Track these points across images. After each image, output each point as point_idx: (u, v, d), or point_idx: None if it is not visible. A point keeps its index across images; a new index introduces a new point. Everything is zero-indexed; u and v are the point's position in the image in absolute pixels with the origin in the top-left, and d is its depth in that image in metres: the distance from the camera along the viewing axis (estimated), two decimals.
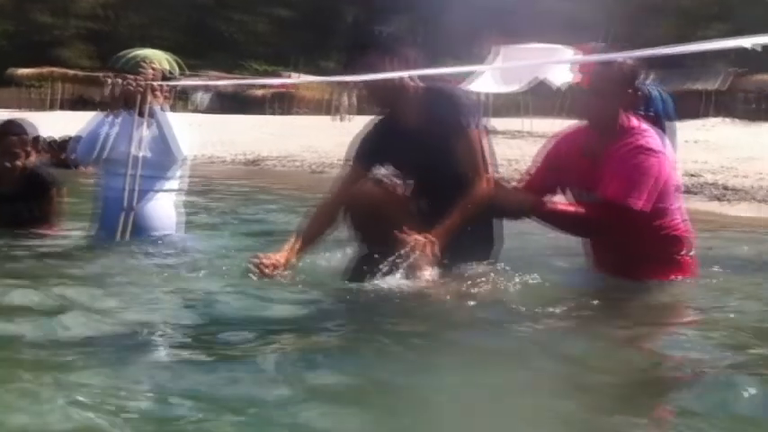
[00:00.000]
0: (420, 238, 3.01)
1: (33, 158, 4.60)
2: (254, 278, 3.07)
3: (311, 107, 36.47)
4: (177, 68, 4.62)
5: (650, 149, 3.23)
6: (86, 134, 4.45)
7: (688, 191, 9.76)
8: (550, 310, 2.97)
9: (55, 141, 11.54)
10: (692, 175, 10.50)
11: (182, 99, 33.84)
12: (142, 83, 4.32)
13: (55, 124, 17.25)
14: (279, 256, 3.16)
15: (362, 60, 3.22)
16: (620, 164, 3.20)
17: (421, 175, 3.25)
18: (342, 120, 22.81)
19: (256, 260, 3.10)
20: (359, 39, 3.45)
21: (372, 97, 3.37)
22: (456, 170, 3.19)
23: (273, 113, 27.23)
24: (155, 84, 4.39)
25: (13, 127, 4.48)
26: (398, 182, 3.27)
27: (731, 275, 3.94)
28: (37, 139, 11.19)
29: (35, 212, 4.52)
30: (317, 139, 17.22)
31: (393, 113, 3.38)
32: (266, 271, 3.08)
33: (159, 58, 4.56)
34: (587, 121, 3.42)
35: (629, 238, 3.28)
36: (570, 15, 39.33)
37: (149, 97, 4.35)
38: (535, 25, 34.14)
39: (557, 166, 3.52)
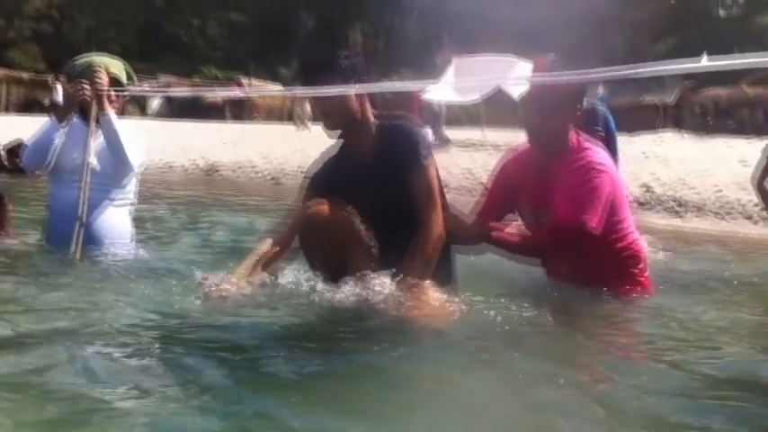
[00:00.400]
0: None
1: None
2: (205, 302, 3.00)
3: (268, 114, 36.24)
4: (126, 77, 4.49)
5: (600, 165, 3.24)
6: (33, 141, 4.32)
7: (642, 204, 9.90)
8: (509, 325, 2.95)
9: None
10: (647, 189, 10.61)
11: (139, 104, 33.36)
12: (98, 90, 4.21)
13: (7, 128, 16.90)
14: (231, 283, 3.07)
15: (320, 80, 3.19)
16: (571, 182, 3.21)
17: (375, 210, 3.21)
18: (306, 129, 22.62)
19: (211, 286, 3.03)
20: (319, 58, 3.39)
21: (328, 120, 3.28)
22: (410, 206, 3.17)
23: (229, 119, 26.93)
24: (110, 91, 4.28)
25: None
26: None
27: (687, 293, 3.98)
28: None
29: None
30: (275, 146, 17.07)
31: (347, 145, 3.35)
32: (218, 295, 3.02)
33: (113, 65, 4.44)
34: (536, 140, 3.40)
35: (586, 258, 3.27)
36: (526, 25, 39.78)
37: (105, 104, 4.23)
38: (493, 35, 34.49)
39: (509, 186, 3.52)
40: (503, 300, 3.20)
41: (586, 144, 3.33)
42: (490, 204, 3.61)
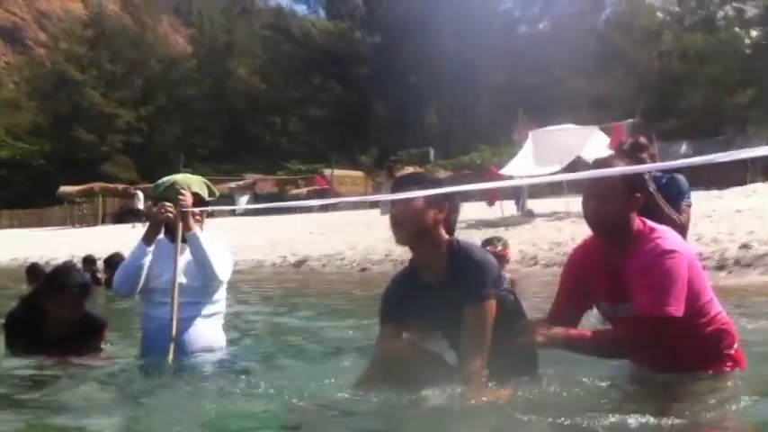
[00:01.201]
0: None
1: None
2: None
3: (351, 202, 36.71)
4: (208, 193, 4.67)
5: (672, 251, 3.12)
6: (122, 268, 4.49)
7: (742, 264, 9.54)
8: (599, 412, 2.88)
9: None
10: (745, 247, 10.24)
11: (227, 203, 34.37)
12: (183, 209, 4.37)
13: (103, 240, 17.58)
14: None
15: (408, 190, 3.25)
16: (646, 274, 3.10)
17: (448, 328, 3.24)
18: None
19: None
20: (407, 177, 3.52)
21: (400, 229, 3.27)
22: None
23: (314, 211, 27.37)
24: (194, 210, 4.43)
25: (77, 277, 4.52)
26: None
27: None
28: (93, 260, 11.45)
29: (84, 351, 4.52)
30: (361, 234, 17.26)
31: (416, 264, 3.38)
32: None
33: (195, 183, 4.62)
34: (597, 229, 3.32)
35: (674, 347, 3.14)
36: (602, 91, 39.65)
37: (191, 222, 4.38)
38: (569, 103, 34.49)
39: (580, 278, 3.43)
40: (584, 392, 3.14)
41: (654, 230, 3.24)
42: (563, 299, 3.51)
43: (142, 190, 29.38)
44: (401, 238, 3.28)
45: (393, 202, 3.33)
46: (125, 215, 32.47)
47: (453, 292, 3.14)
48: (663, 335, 3.08)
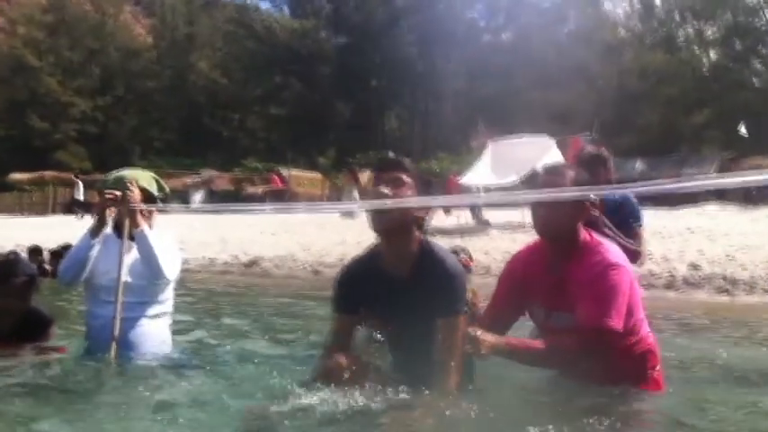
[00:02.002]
0: None
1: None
2: None
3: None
4: (158, 188, 4.56)
5: (618, 265, 3.17)
6: (69, 255, 4.38)
7: (691, 284, 9.68)
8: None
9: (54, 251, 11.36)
10: (694, 267, 10.39)
11: (182, 199, 33.94)
12: (130, 205, 4.25)
13: (51, 229, 17.24)
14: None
15: (393, 173, 3.25)
16: (592, 286, 3.13)
17: (400, 323, 3.19)
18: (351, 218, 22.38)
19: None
20: (394, 161, 3.39)
21: (386, 217, 3.18)
22: (434, 332, 3.12)
23: (269, 211, 26.99)
24: (142, 206, 4.31)
25: (22, 268, 4.38)
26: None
27: (708, 388, 3.95)
28: (39, 250, 11.20)
29: (29, 348, 4.38)
30: (314, 236, 17.17)
31: (379, 254, 3.32)
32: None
33: (143, 178, 4.50)
34: (545, 234, 3.34)
35: (604, 361, 3.16)
36: (561, 104, 40.05)
37: (139, 219, 4.27)
38: (528, 114, 34.79)
39: (520, 286, 3.44)
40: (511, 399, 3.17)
41: (600, 243, 3.28)
42: (499, 303, 3.53)
43: (93, 181, 28.73)
44: (381, 225, 3.21)
45: (381, 185, 3.25)
46: (72, 205, 31.84)
47: (417, 291, 3.13)
48: (598, 347, 3.10)
